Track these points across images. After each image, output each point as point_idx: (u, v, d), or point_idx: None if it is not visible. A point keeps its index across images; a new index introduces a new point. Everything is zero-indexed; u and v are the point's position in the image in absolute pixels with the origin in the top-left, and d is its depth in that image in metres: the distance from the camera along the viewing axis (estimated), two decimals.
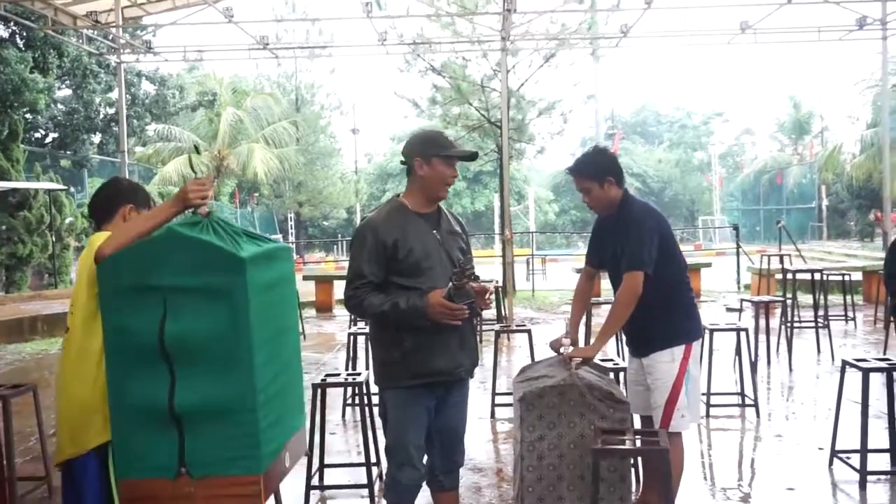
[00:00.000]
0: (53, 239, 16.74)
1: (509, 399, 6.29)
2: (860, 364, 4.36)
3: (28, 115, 17.80)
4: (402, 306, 2.92)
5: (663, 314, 3.42)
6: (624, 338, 3.78)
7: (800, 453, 4.93)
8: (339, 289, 13.55)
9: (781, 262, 10.44)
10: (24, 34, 16.76)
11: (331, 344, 9.97)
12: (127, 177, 12.62)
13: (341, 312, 12.92)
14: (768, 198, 40.63)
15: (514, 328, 6.95)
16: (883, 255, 13.25)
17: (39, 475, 4.53)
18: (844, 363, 4.54)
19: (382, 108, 74.57)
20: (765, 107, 73.83)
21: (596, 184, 3.49)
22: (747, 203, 44.10)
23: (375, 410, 5.30)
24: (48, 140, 20.81)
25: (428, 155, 3.03)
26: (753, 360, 6.25)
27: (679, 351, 3.41)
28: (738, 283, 14.10)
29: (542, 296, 14.41)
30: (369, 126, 74.33)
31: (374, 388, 6.05)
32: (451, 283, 2.88)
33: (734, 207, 45.93)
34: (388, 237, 2.98)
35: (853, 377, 4.52)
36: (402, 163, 3.12)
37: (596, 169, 3.51)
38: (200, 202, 2.38)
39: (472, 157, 3.18)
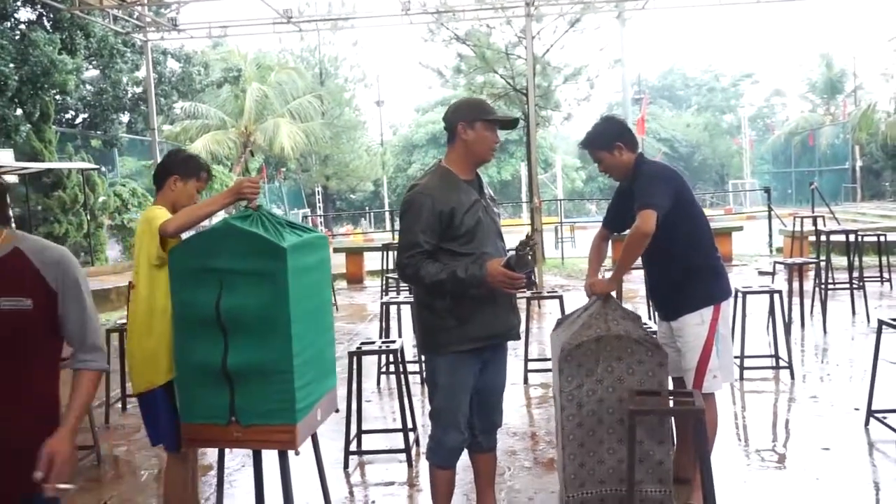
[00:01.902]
0: (88, 218, 17.04)
1: (541, 365, 6.37)
2: None
3: (58, 97, 18.02)
4: (460, 275, 2.95)
5: (690, 276, 3.43)
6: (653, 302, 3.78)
7: (835, 414, 4.92)
8: (369, 260, 13.67)
9: (815, 224, 10.29)
10: (52, 16, 16.92)
11: (363, 314, 10.09)
12: (157, 155, 12.80)
13: (372, 283, 13.05)
14: (800, 160, 39.92)
15: (545, 295, 6.98)
16: None
17: (88, 444, 4.68)
18: (881, 323, 4.51)
19: (406, 80, 74.19)
20: (796, 66, 72.17)
21: (605, 152, 3.54)
22: (778, 166, 43.40)
23: (413, 378, 5.41)
24: (78, 121, 21.07)
25: (472, 119, 3.06)
26: (787, 322, 6.21)
27: (708, 312, 3.42)
28: (771, 246, 13.94)
29: (571, 263, 14.39)
30: (394, 98, 73.91)
31: (410, 356, 6.15)
32: (512, 252, 2.93)
33: (765, 170, 45.23)
34: (445, 206, 3.01)
35: (890, 338, 4.49)
36: (445, 129, 3.15)
37: (604, 137, 3.55)
38: (252, 196, 2.85)
39: (514, 123, 3.23)
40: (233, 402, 2.70)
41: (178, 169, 3.32)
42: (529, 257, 2.93)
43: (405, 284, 8.42)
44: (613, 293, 3.48)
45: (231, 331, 2.66)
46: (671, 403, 3.13)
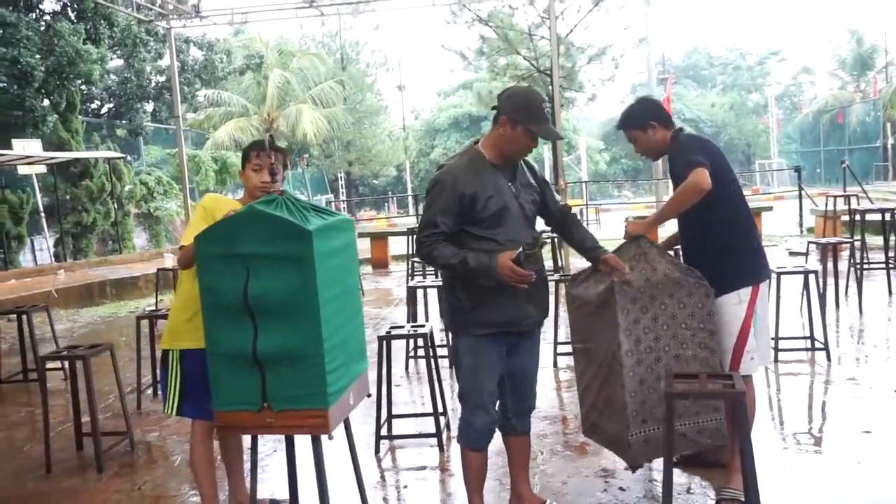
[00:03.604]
0: (115, 206, 17.20)
1: (570, 348, 6.29)
2: None
3: (84, 87, 18.17)
4: (470, 263, 2.94)
5: (728, 253, 3.34)
6: None
7: (874, 396, 4.81)
8: (394, 245, 13.66)
9: (848, 202, 10.09)
10: (76, 6, 17.03)
11: (389, 299, 10.08)
12: (182, 143, 12.85)
13: (397, 268, 13.04)
14: (829, 138, 39.24)
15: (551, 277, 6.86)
16: None
17: (121, 430, 4.71)
18: None
19: (428, 64, 74.01)
20: (824, 43, 70.71)
21: (639, 131, 3.49)
22: (806, 145, 42.71)
23: (442, 362, 5.38)
24: (104, 110, 21.24)
25: (516, 120, 3.00)
26: (823, 303, 6.08)
27: (746, 292, 3.33)
28: (801, 226, 13.72)
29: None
30: (415, 82, 73.83)
31: (439, 340, 6.12)
32: (521, 249, 2.90)
33: (792, 150, 44.57)
34: (467, 189, 2.97)
35: None
36: (493, 108, 3.09)
37: (637, 117, 3.50)
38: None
39: (557, 138, 3.17)
40: (264, 388, 2.68)
41: (242, 161, 3.43)
42: (540, 254, 2.93)
43: (431, 268, 8.41)
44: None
45: (259, 316, 2.64)
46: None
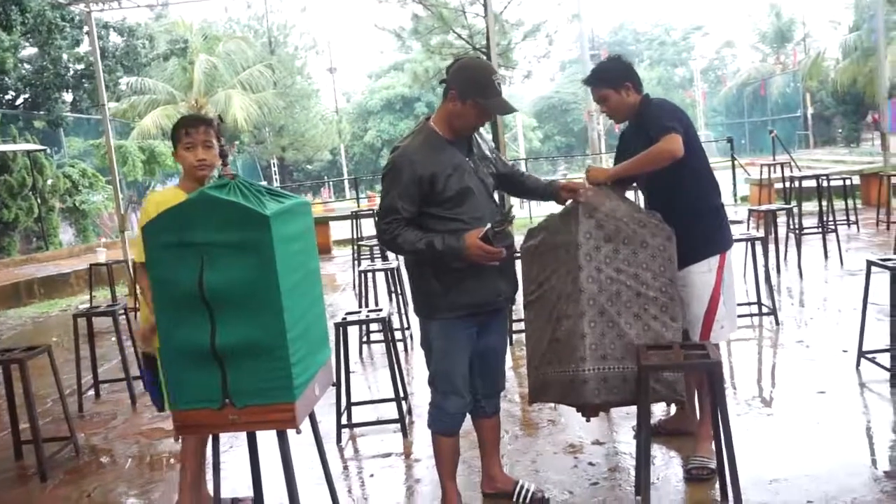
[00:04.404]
0: (38, 201, 16.42)
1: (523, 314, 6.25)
2: (887, 264, 4.31)
3: None
4: (437, 246, 2.83)
5: (697, 222, 3.32)
6: None
7: (824, 357, 4.92)
8: (336, 230, 13.44)
9: (782, 170, 10.35)
10: None
11: (334, 285, 9.90)
12: (109, 133, 12.27)
13: (340, 253, 12.85)
14: (752, 110, 40.38)
15: (517, 254, 6.82)
16: (880, 158, 13.19)
17: (64, 435, 4.46)
18: (870, 263, 4.50)
19: (358, 46, 72.94)
20: (745, 17, 72.63)
21: (612, 91, 3.39)
22: (731, 117, 43.85)
23: (399, 346, 5.27)
24: (19, 101, 20.21)
25: (466, 94, 2.87)
26: (767, 268, 6.20)
27: (715, 260, 3.33)
28: (735, 195, 14.05)
29: (538, 221, 14.31)
30: (346, 64, 72.77)
31: (397, 324, 6.01)
32: (489, 226, 2.81)
33: (718, 122, 45.68)
34: (425, 170, 2.85)
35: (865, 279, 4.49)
36: (441, 82, 2.97)
37: (612, 75, 3.40)
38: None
39: (510, 111, 3.04)
40: (225, 384, 2.52)
41: (174, 143, 3.21)
42: (509, 230, 2.85)
43: (378, 252, 8.26)
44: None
45: (217, 308, 2.48)
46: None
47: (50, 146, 20.52)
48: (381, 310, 4.48)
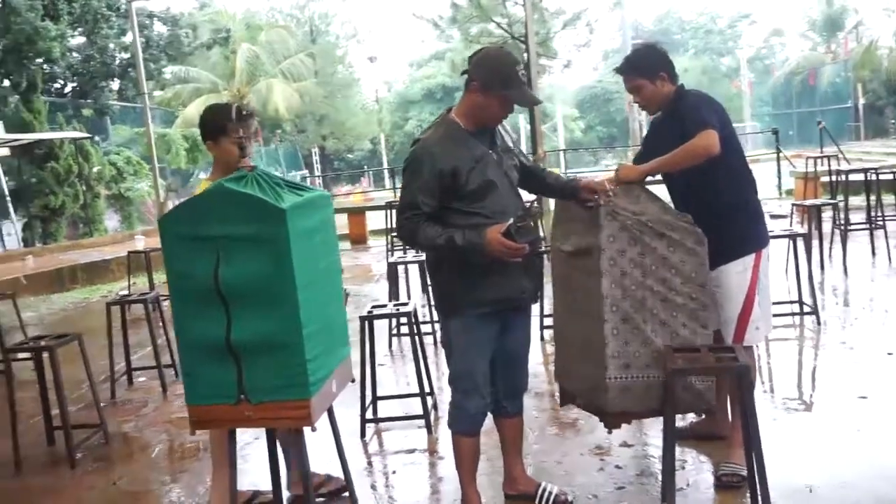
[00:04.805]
0: (84, 188, 16.75)
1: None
2: None
3: (45, 66, 17.60)
4: (458, 242, 2.75)
5: (732, 219, 3.19)
6: None
7: (867, 360, 4.73)
8: (372, 220, 13.44)
9: (829, 163, 10.01)
10: None
11: (369, 275, 9.90)
12: (150, 122, 12.45)
13: (376, 243, 12.84)
14: (801, 100, 39.31)
15: (544, 250, 6.70)
16: None
17: (95, 422, 4.51)
18: None
19: (400, 34, 73.00)
20: (794, 4, 70.65)
21: (647, 81, 3.25)
22: (778, 107, 42.79)
23: (426, 339, 5.22)
24: (68, 90, 20.63)
25: (489, 86, 2.79)
26: (809, 266, 5.99)
27: (750, 259, 3.20)
28: (780, 188, 13.70)
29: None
30: (387, 53, 72.70)
31: (423, 317, 5.96)
32: (511, 220, 2.72)
33: (765, 113, 44.63)
34: (446, 164, 2.78)
35: None
36: (463, 72, 2.89)
37: (648, 65, 3.26)
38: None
39: (535, 103, 2.94)
40: (241, 380, 2.50)
41: (205, 135, 3.10)
42: (531, 225, 2.76)
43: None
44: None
45: (232, 303, 2.45)
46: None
47: (97, 134, 20.94)
48: (407, 303, 4.43)
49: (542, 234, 10.02)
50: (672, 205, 3.37)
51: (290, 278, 2.42)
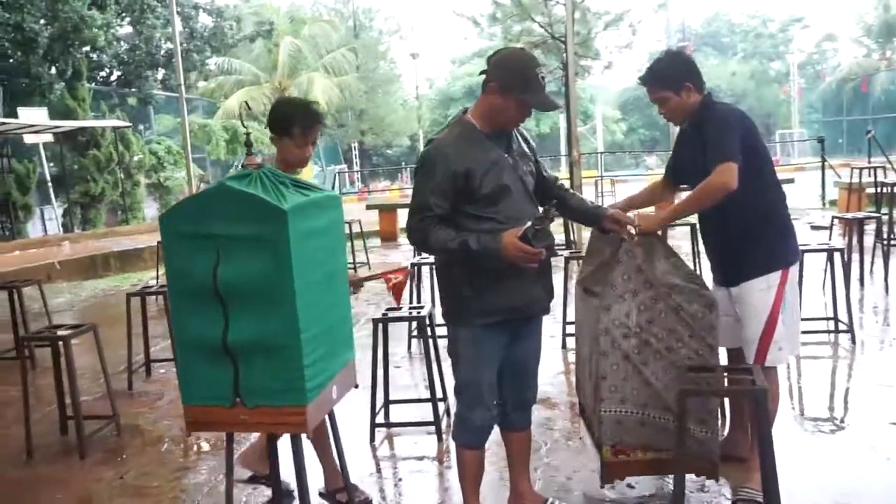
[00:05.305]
0: (122, 176, 17.01)
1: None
2: None
3: (92, 55, 17.90)
4: (472, 246, 2.65)
5: (757, 236, 3.04)
6: (708, 264, 3.40)
7: None
8: (403, 217, 13.38)
9: (874, 174, 9.66)
10: None
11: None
12: (185, 111, 12.55)
13: (406, 241, 12.79)
14: (852, 108, 38.30)
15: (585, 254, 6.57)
16: None
17: (108, 413, 4.51)
18: None
19: (442, 31, 72.97)
20: (849, 9, 68.88)
21: (672, 92, 3.10)
22: (828, 114, 41.76)
23: (440, 343, 5.13)
24: (113, 78, 20.97)
25: (507, 88, 2.69)
26: (848, 282, 5.76)
27: (775, 277, 3.03)
28: (823, 199, 13.29)
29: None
30: (429, 50, 72.64)
31: (439, 320, 5.88)
32: (529, 224, 2.61)
33: (814, 120, 43.63)
34: (460, 166, 2.68)
35: None
36: (482, 72, 2.79)
37: (673, 75, 3.10)
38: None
39: (553, 108, 2.84)
40: (237, 382, 2.45)
41: (272, 127, 3.13)
42: (549, 229, 2.69)
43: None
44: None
45: (230, 303, 2.39)
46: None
47: (141, 123, 21.26)
48: (423, 307, 4.35)
49: (572, 235, 9.87)
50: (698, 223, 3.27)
51: (290, 280, 2.36)
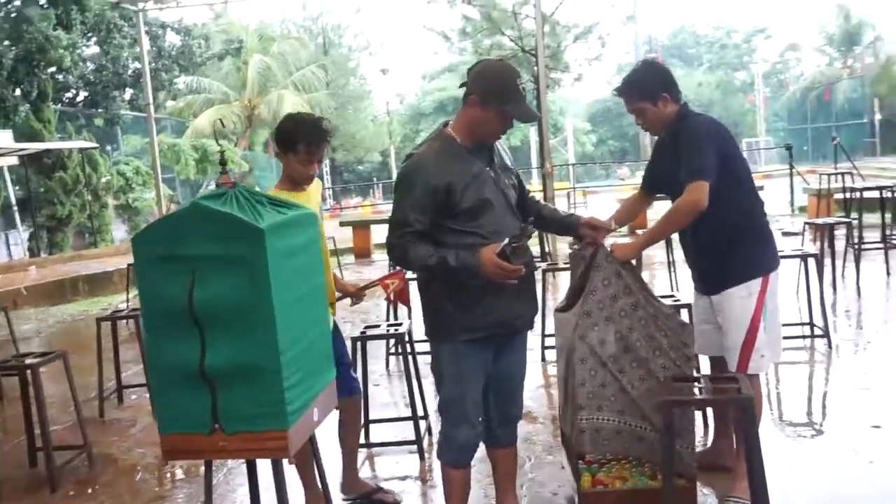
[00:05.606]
0: (90, 198, 16.74)
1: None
2: None
3: (59, 76, 17.65)
4: (451, 262, 2.61)
5: (736, 244, 3.04)
6: (687, 273, 3.40)
7: (881, 387, 4.54)
8: (376, 234, 13.31)
9: (842, 180, 9.81)
10: None
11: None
12: (154, 131, 12.40)
13: (380, 257, 12.71)
14: (816, 115, 39.03)
15: (561, 266, 6.59)
16: None
17: (79, 443, 4.37)
18: None
19: (412, 46, 73.22)
20: (811, 19, 70.34)
21: (649, 103, 3.11)
22: (793, 123, 42.49)
23: (420, 360, 5.07)
24: (80, 99, 20.69)
25: (488, 100, 2.66)
26: (822, 287, 5.81)
27: (756, 284, 3.03)
28: (793, 205, 13.47)
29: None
30: (399, 65, 72.82)
31: (417, 337, 5.81)
32: (506, 241, 2.58)
33: (780, 128, 44.34)
34: (440, 181, 2.64)
35: None
36: (461, 85, 2.75)
37: (648, 86, 3.12)
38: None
39: (534, 119, 2.84)
40: (215, 408, 2.36)
41: (278, 143, 3.13)
42: (527, 245, 2.70)
43: None
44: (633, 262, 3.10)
45: (208, 327, 2.31)
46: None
47: (109, 144, 20.98)
48: (401, 324, 4.29)
49: (547, 247, 9.88)
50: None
51: (268, 301, 2.29)
